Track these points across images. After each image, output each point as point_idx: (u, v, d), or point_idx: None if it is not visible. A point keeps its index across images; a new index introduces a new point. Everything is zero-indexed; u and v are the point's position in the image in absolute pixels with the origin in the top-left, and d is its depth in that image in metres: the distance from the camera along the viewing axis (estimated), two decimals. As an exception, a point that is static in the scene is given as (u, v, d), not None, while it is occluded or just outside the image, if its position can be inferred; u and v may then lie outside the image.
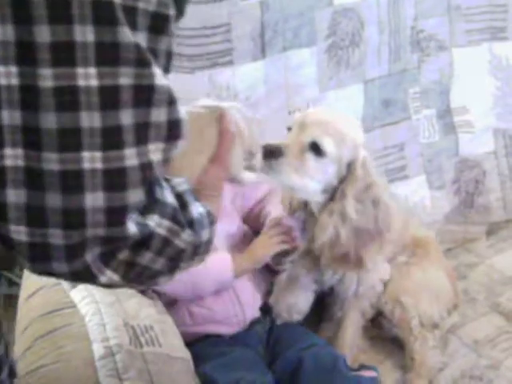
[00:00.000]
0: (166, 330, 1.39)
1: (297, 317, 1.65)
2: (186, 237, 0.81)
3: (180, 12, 0.78)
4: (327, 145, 1.42)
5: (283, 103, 1.93)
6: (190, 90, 1.79)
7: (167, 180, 0.82)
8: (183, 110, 0.77)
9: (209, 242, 0.88)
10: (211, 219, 0.89)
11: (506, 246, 2.19)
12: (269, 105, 1.92)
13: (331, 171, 1.44)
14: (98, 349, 1.22)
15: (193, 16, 1.77)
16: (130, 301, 1.40)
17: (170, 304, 1.57)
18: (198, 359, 1.44)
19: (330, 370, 1.48)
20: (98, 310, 1.31)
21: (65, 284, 1.40)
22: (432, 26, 2.13)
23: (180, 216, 0.80)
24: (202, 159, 1.02)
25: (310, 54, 1.94)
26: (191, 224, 0.82)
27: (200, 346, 1.53)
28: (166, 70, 0.76)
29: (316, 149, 1.42)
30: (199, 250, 0.86)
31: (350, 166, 1.44)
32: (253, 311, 1.63)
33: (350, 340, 1.65)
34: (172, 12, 0.73)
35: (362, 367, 1.56)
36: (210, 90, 1.83)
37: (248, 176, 1.14)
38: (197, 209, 0.85)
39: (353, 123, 1.53)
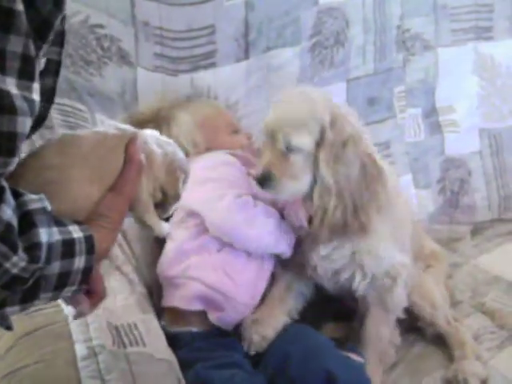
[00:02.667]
0: (150, 330, 1.39)
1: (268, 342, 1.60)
2: (17, 261, 0.75)
3: (58, 8, 0.76)
4: (298, 140, 1.43)
5: (263, 104, 1.92)
6: (171, 91, 1.80)
7: (18, 194, 0.78)
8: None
9: (82, 271, 0.85)
10: (88, 248, 0.85)
11: (491, 246, 2.18)
12: (248, 106, 1.93)
13: (312, 157, 1.45)
14: (80, 349, 1.21)
15: (178, 18, 1.78)
16: (114, 299, 1.40)
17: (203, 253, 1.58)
18: (185, 364, 1.44)
19: (318, 352, 1.48)
20: (81, 310, 1.30)
21: (48, 284, 1.39)
22: (418, 25, 2.14)
23: (14, 237, 0.74)
24: (98, 186, 0.95)
25: (293, 54, 1.95)
26: (31, 248, 0.76)
27: (187, 353, 1.50)
28: (29, 76, 0.74)
29: (292, 149, 1.44)
30: (53, 281, 0.82)
31: (321, 135, 1.44)
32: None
33: (374, 341, 1.61)
34: (20, 7, 0.70)
35: (350, 349, 1.55)
36: (191, 92, 1.84)
37: (159, 226, 1.05)
38: (51, 234, 0.80)
39: (305, 95, 1.51)
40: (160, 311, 1.59)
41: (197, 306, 1.56)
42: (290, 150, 1.44)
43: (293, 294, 1.65)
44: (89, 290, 0.93)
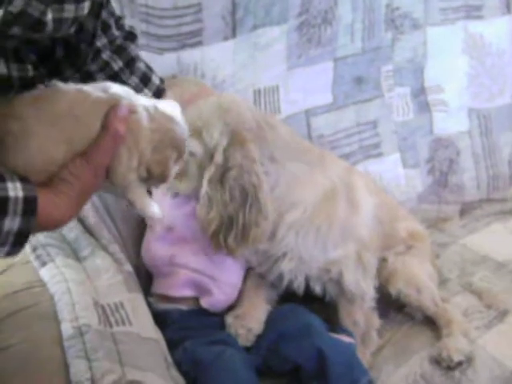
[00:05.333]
0: (137, 309, 1.37)
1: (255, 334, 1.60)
2: None
3: None
4: (191, 145, 1.39)
5: (249, 83, 1.92)
6: (157, 70, 1.78)
7: None
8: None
9: (15, 233, 0.81)
10: (26, 209, 0.81)
11: (479, 226, 2.19)
12: (235, 84, 1.91)
13: (206, 163, 1.46)
14: (66, 329, 1.19)
15: (164, -5, 1.75)
16: (100, 278, 1.38)
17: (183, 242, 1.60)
18: (173, 343, 1.45)
19: (310, 331, 1.49)
20: (67, 289, 1.29)
21: (35, 262, 1.38)
22: (407, 3, 2.12)
23: None
24: (66, 149, 0.88)
25: (281, 32, 1.93)
26: None
27: (175, 331, 1.52)
28: None
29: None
30: None
31: (213, 153, 1.46)
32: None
33: (352, 328, 1.61)
34: None
35: (341, 330, 1.56)
36: (177, 71, 1.82)
37: (144, 205, 1.00)
38: None
39: (215, 110, 1.50)
40: (148, 289, 1.60)
41: (188, 293, 1.58)
42: None
43: (265, 283, 1.65)
44: None
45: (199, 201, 1.47)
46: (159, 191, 1.58)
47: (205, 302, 1.58)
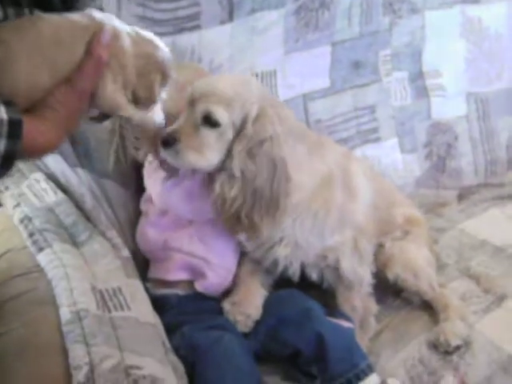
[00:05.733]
0: (135, 294, 1.37)
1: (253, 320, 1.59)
2: None
3: None
4: (219, 115, 1.40)
5: (247, 67, 1.91)
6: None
7: None
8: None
9: (1, 155, 0.81)
10: (11, 132, 0.81)
11: (477, 211, 2.19)
12: (232, 68, 1.90)
13: (229, 136, 1.43)
14: (64, 314, 1.19)
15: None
16: (98, 263, 1.38)
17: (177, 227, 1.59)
18: (171, 328, 1.44)
19: (309, 315, 1.49)
20: (65, 274, 1.28)
21: (32, 247, 1.37)
22: (405, -13, 2.11)
23: None
24: (50, 74, 0.88)
25: (278, 16, 1.92)
26: None
27: (173, 316, 1.51)
28: None
29: (209, 121, 1.41)
30: None
31: (242, 124, 1.42)
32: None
33: (350, 313, 1.60)
34: None
35: (339, 315, 1.56)
36: (173, 54, 1.77)
37: (138, 114, 1.01)
38: None
39: (243, 81, 1.50)
40: (145, 274, 1.60)
41: (182, 276, 1.58)
42: (204, 122, 1.41)
43: (260, 269, 1.64)
44: None
45: (216, 177, 1.43)
46: (153, 175, 1.58)
47: (199, 285, 1.58)
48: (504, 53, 2.27)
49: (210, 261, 1.58)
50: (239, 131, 1.42)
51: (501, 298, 1.73)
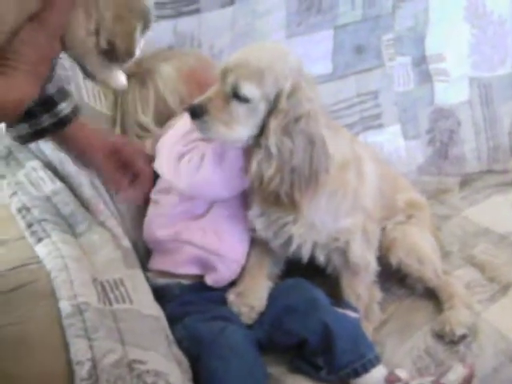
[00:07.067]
0: (137, 286, 1.35)
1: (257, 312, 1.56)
2: None
3: None
4: (247, 89, 1.35)
5: (248, 52, 1.87)
6: (152, 39, 1.72)
7: None
8: None
9: None
10: None
11: (480, 198, 2.17)
12: (233, 53, 1.85)
13: (261, 110, 1.38)
14: (64, 307, 1.16)
15: (159, -40, 1.70)
16: (98, 254, 1.35)
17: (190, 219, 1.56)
18: (173, 319, 1.42)
19: (315, 305, 1.46)
20: (64, 266, 1.25)
21: (30, 238, 1.34)
22: (408, -31, 2.07)
23: None
24: (14, 9, 0.77)
25: (280, -1, 1.89)
26: None
27: (175, 307, 1.49)
28: None
29: (238, 95, 1.36)
30: None
31: (275, 100, 1.37)
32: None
33: (354, 302, 1.58)
34: None
35: (345, 306, 1.53)
36: (173, 39, 1.77)
37: (106, 74, 0.91)
38: None
39: (280, 53, 1.44)
40: (145, 264, 1.57)
41: (192, 270, 1.56)
42: (235, 95, 1.36)
43: (268, 259, 1.61)
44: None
45: (252, 154, 1.39)
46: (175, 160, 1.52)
47: (210, 279, 1.55)
48: (507, 38, 2.23)
49: (222, 254, 1.55)
50: (273, 106, 1.37)
51: (506, 287, 1.71)
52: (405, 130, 2.12)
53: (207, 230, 1.55)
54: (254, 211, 1.51)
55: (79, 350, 1.08)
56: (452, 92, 2.18)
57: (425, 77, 2.14)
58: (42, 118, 1.18)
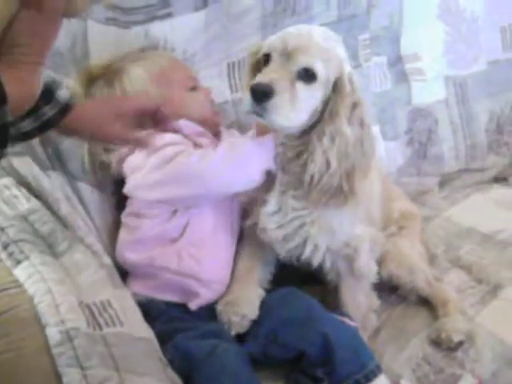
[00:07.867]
0: (125, 307, 1.27)
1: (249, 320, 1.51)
2: None
3: None
4: (318, 68, 1.29)
5: (222, 56, 1.84)
6: (125, 45, 1.67)
7: None
8: None
9: None
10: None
11: (460, 197, 2.17)
12: (207, 57, 1.82)
13: (319, 95, 1.33)
14: (52, 334, 1.08)
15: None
16: (81, 274, 1.27)
17: (165, 243, 1.49)
18: (163, 337, 1.35)
19: (312, 315, 1.42)
20: (48, 289, 1.16)
21: (7, 261, 1.24)
22: (381, -31, 2.05)
23: None
24: None
25: (254, 1, 1.84)
26: None
27: (163, 324, 1.43)
28: None
29: (305, 76, 1.29)
30: None
31: (337, 84, 1.33)
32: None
33: (352, 309, 1.54)
34: None
35: (341, 315, 1.48)
36: (146, 45, 1.72)
37: None
38: None
39: (333, 37, 1.40)
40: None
41: (172, 298, 1.50)
42: (301, 75, 1.29)
43: (258, 264, 1.57)
44: None
45: (308, 147, 1.35)
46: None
47: (193, 305, 1.49)
48: (480, 35, 2.22)
49: (203, 278, 1.48)
50: (332, 90, 1.32)
51: (495, 288, 1.69)
52: (384, 131, 2.09)
53: (183, 255, 1.48)
54: (269, 208, 1.45)
55: (73, 380, 1.02)
56: (428, 91, 2.16)
57: (401, 77, 2.12)
58: (43, 110, 1.13)
